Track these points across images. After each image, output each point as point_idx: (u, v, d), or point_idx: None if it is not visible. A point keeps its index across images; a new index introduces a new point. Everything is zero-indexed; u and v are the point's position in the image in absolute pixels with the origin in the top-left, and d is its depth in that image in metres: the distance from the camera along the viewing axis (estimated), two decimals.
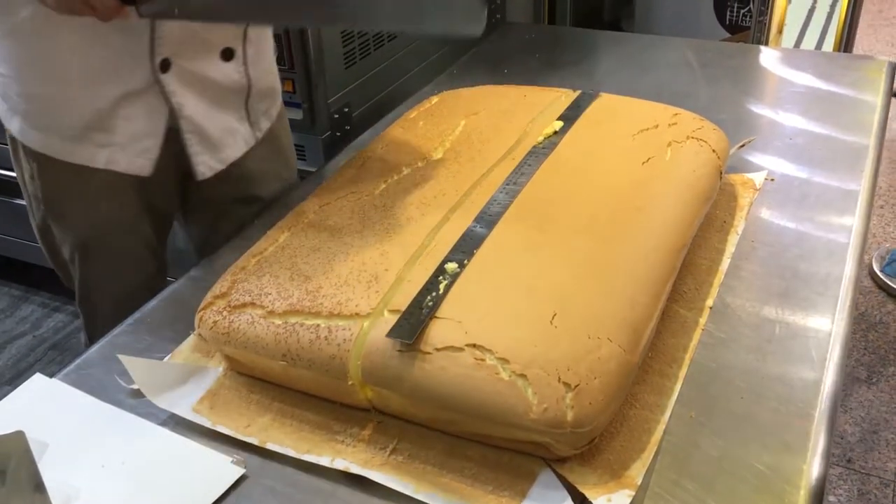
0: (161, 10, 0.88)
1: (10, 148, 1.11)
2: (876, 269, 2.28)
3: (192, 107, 1.06)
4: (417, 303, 0.75)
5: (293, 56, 1.53)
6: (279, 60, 1.28)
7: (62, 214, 1.12)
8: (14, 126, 1.06)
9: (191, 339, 0.90)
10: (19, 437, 0.66)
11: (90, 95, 1.01)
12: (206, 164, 1.12)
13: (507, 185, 0.93)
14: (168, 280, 1.25)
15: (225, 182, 1.16)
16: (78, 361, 0.89)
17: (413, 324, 0.73)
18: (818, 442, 0.74)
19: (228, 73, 1.08)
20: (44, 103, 1.03)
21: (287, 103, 1.34)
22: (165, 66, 1.01)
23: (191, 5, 0.87)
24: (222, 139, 1.12)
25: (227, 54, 1.07)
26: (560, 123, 1.05)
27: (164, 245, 1.23)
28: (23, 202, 2.10)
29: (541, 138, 1.03)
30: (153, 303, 0.98)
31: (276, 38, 1.23)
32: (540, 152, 1.00)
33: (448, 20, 0.89)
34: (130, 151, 1.05)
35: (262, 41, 1.15)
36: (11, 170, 2.07)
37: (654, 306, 0.80)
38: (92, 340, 1.22)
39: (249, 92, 1.13)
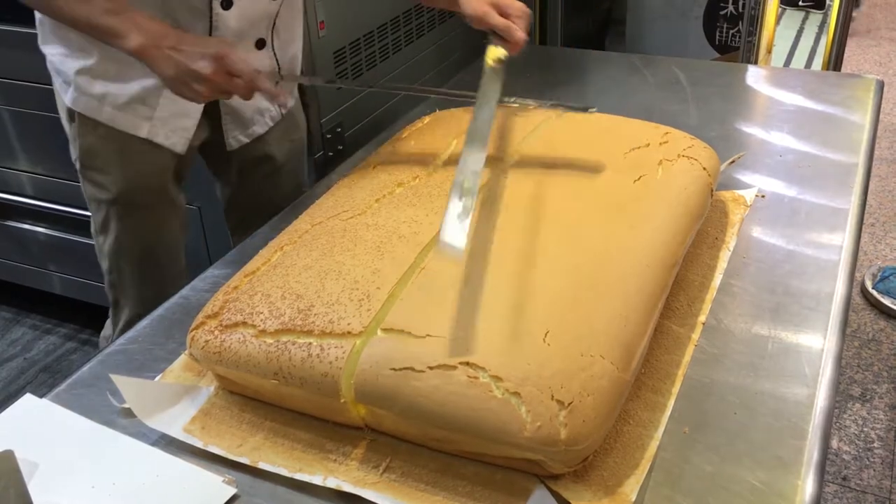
0: None
1: (61, 112, 1.24)
2: (868, 286, 2.28)
3: None
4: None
5: None
6: None
7: (98, 171, 1.23)
8: (67, 97, 1.19)
9: (182, 359, 0.89)
10: (8, 456, 0.66)
11: (142, 73, 1.13)
12: (236, 139, 1.31)
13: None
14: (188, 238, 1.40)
15: (246, 145, 1.33)
16: (69, 381, 0.89)
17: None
18: (812, 457, 0.74)
19: (261, 59, 1.23)
20: (99, 76, 1.16)
21: None
22: None
23: None
24: (253, 118, 1.31)
25: (260, 44, 1.22)
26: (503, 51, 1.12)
27: (184, 207, 1.34)
28: (15, 224, 2.10)
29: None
30: (145, 322, 0.98)
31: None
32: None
33: None
34: (169, 127, 1.20)
35: (289, 31, 1.30)
36: (9, 193, 2.07)
37: (646, 323, 0.80)
38: (119, 307, 1.35)
39: (279, 75, 1.28)
